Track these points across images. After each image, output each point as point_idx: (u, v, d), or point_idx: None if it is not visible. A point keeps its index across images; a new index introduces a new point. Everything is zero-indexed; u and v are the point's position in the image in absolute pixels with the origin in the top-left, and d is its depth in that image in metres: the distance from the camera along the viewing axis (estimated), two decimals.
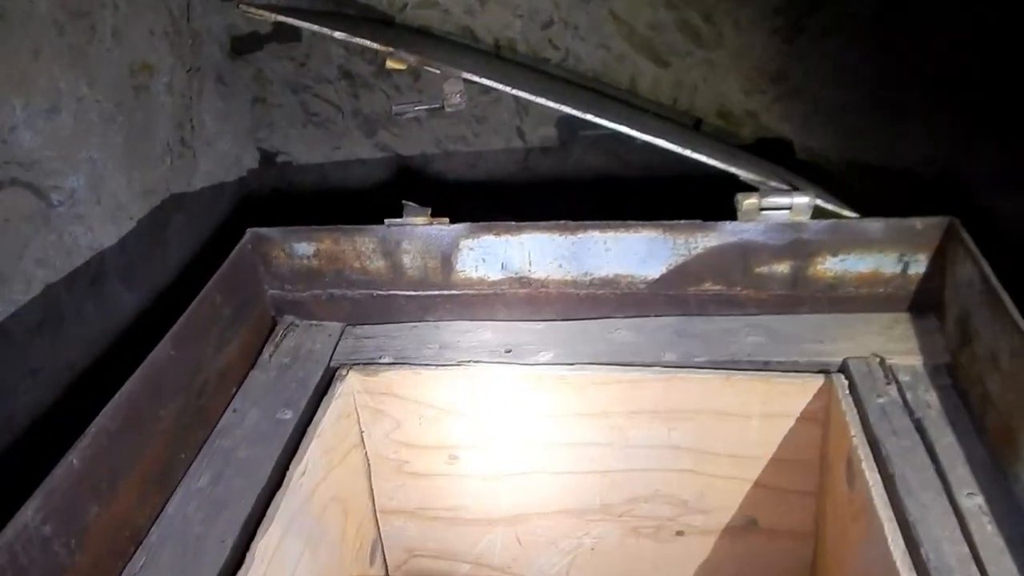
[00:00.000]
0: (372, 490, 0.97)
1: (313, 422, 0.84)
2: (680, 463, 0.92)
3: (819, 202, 0.92)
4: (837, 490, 0.84)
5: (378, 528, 1.00)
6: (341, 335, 0.97)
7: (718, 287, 0.93)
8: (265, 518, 0.73)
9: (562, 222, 0.92)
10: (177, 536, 0.72)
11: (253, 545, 0.70)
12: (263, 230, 0.94)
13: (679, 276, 0.93)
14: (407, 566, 1.03)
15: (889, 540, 0.68)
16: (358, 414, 0.93)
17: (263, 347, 0.95)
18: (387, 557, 1.02)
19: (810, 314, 0.93)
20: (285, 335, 0.97)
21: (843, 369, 0.87)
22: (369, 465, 0.96)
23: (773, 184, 0.90)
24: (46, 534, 0.61)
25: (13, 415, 0.82)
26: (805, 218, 0.91)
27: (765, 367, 0.88)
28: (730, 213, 0.92)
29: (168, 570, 0.69)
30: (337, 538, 0.88)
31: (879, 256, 0.90)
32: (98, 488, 0.67)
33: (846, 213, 0.93)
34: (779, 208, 0.91)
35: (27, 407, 0.83)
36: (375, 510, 0.99)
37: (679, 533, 0.97)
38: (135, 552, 0.71)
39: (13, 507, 0.60)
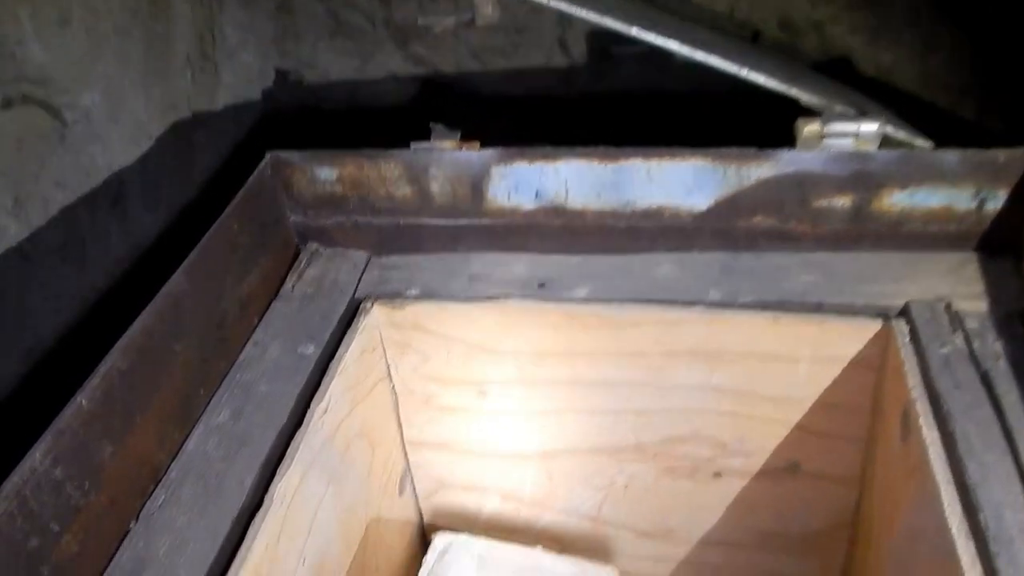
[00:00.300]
0: (400, 423, 0.95)
1: (336, 357, 0.80)
2: (721, 405, 0.88)
3: (889, 129, 0.84)
4: (889, 440, 0.79)
5: (407, 460, 0.98)
6: (367, 265, 0.93)
7: (770, 221, 0.86)
8: (285, 458, 0.71)
9: (602, 148, 0.85)
10: (197, 473, 0.70)
11: (272, 487, 0.68)
12: (283, 153, 0.89)
13: (728, 208, 0.86)
14: (437, 496, 1.01)
15: (945, 504, 0.63)
16: (384, 348, 0.89)
17: (286, 276, 0.91)
18: (416, 488, 1.01)
19: (871, 252, 0.86)
20: (309, 263, 0.93)
21: (904, 314, 0.80)
22: (396, 398, 0.93)
23: (838, 109, 0.82)
24: (57, 477, 0.59)
25: (36, 341, 0.80)
26: (872, 148, 0.83)
27: (818, 309, 0.82)
28: (788, 139, 0.84)
29: (188, 508, 0.67)
30: (364, 473, 0.86)
31: (952, 191, 0.82)
32: (112, 427, 0.65)
33: (918, 142, 0.85)
34: (843, 136, 0.83)
35: (50, 332, 0.82)
36: (403, 442, 0.97)
37: (716, 475, 0.93)
38: (154, 490, 0.69)
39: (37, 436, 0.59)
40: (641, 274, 0.88)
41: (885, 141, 0.85)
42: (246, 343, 0.83)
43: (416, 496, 1.01)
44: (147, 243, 0.95)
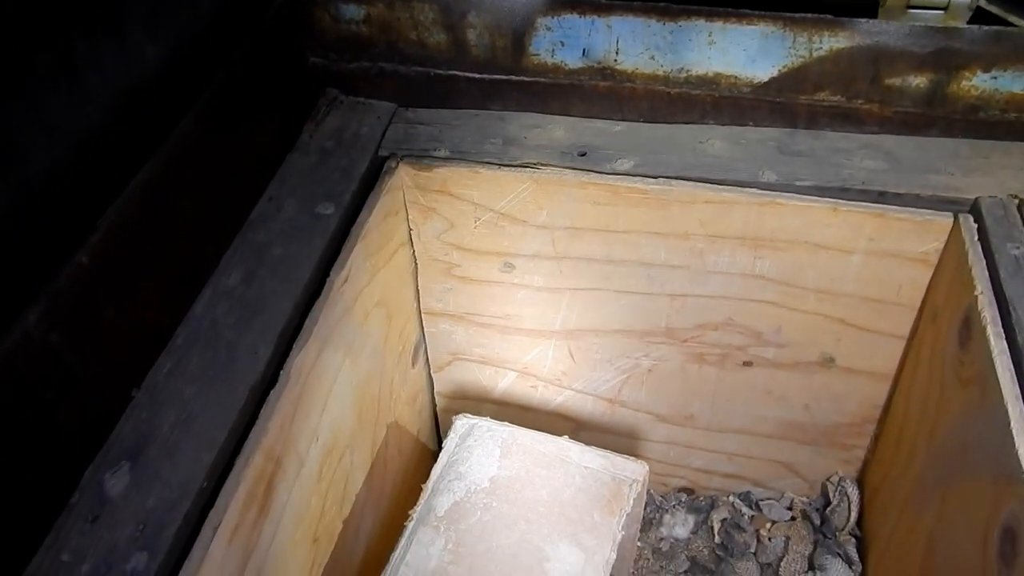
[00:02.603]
0: (418, 291, 0.89)
1: (357, 222, 0.74)
2: (762, 294, 0.83)
3: (982, 2, 0.74)
4: (941, 344, 0.75)
5: (422, 330, 0.93)
6: (392, 118, 0.85)
7: (836, 98, 0.78)
8: (303, 331, 0.65)
9: (661, 4, 0.75)
10: (205, 341, 0.65)
11: (288, 362, 0.63)
12: None
13: (792, 81, 0.78)
14: (449, 368, 0.98)
15: (1012, 423, 0.59)
16: (407, 211, 0.83)
17: (303, 126, 0.83)
18: (430, 359, 0.97)
19: (942, 138, 0.79)
20: (328, 112, 0.85)
21: (973, 209, 0.74)
22: (416, 265, 0.87)
23: None
24: (54, 342, 0.53)
25: (28, 176, 0.72)
26: (961, 22, 0.74)
27: (880, 199, 0.75)
28: (868, 8, 0.75)
29: (197, 377, 0.63)
30: (380, 343, 0.82)
31: None
32: (114, 287, 0.59)
33: (1013, 19, 0.75)
34: (931, 8, 0.74)
35: (43, 168, 0.74)
36: (420, 311, 0.92)
37: (746, 363, 0.89)
38: (159, 357, 0.64)
39: (30, 272, 0.52)
40: (690, 148, 0.80)
41: (977, 16, 0.76)
42: (258, 199, 0.76)
43: (429, 367, 0.98)
44: (148, 77, 0.85)
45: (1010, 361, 0.63)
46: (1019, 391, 0.61)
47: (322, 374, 0.68)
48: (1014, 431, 0.59)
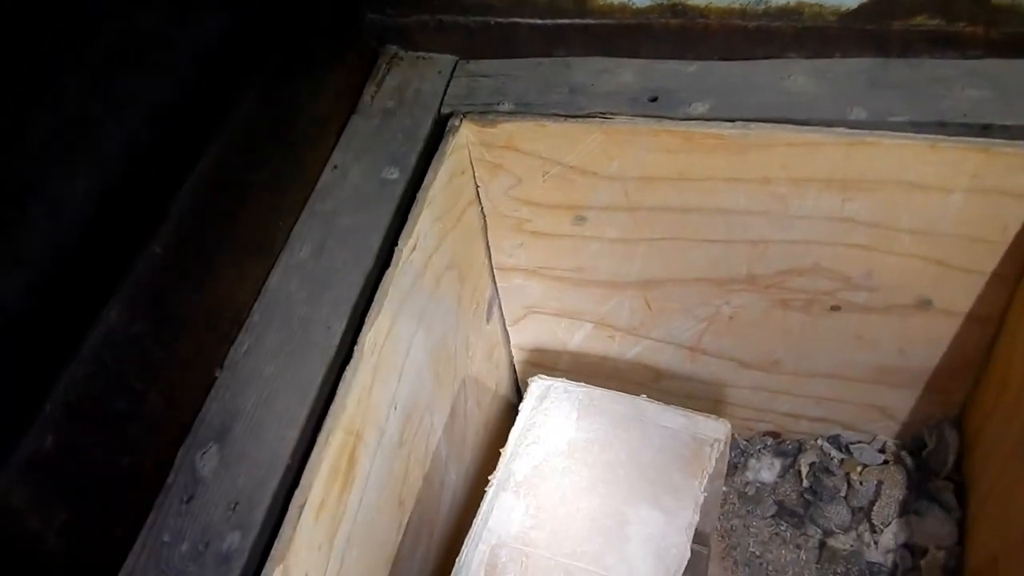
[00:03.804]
0: (489, 248, 0.88)
1: (423, 186, 0.72)
2: (850, 237, 0.78)
3: None
4: None
5: (495, 285, 0.92)
6: (453, 71, 0.82)
7: (935, 21, 0.72)
8: (374, 303, 0.65)
9: None
10: (281, 318, 0.65)
11: (361, 336, 0.63)
12: None
13: (885, 5, 0.71)
14: (525, 321, 0.97)
15: None
16: (473, 169, 0.81)
17: (363, 86, 0.81)
18: (505, 314, 0.96)
19: None
20: (388, 70, 0.83)
21: None
22: (485, 222, 0.86)
23: None
24: (136, 332, 0.54)
25: (103, 156, 0.73)
26: None
27: (984, 132, 0.69)
28: None
29: (274, 356, 0.63)
30: (453, 304, 0.81)
31: None
32: (189, 272, 0.59)
33: None
34: None
35: (117, 145, 0.74)
36: (492, 267, 0.90)
37: (834, 308, 0.85)
38: (237, 335, 0.64)
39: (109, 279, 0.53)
40: (771, 86, 0.75)
41: None
42: (324, 166, 0.75)
43: (503, 322, 0.97)
44: (211, 47, 0.84)
45: None
46: None
47: (396, 344, 0.68)
48: None
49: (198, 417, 0.60)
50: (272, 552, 0.55)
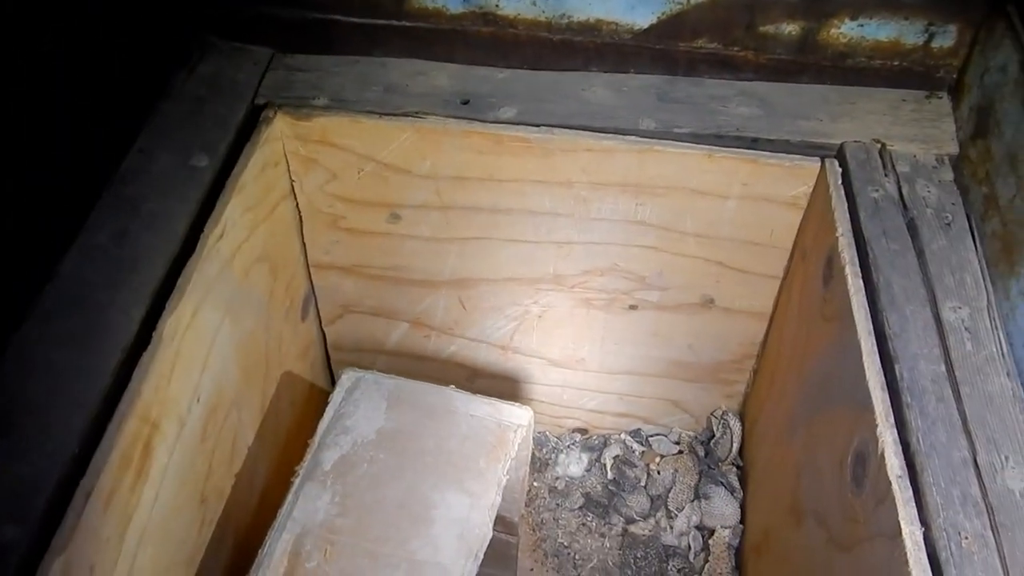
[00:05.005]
0: (304, 245, 0.88)
1: (233, 175, 0.72)
2: (643, 239, 0.85)
3: None
4: (809, 282, 0.79)
5: (311, 283, 0.92)
6: (269, 64, 0.82)
7: (714, 45, 0.80)
8: (176, 290, 0.64)
9: None
10: (75, 303, 0.63)
11: (160, 322, 0.61)
12: None
13: (672, 28, 0.79)
14: (342, 321, 0.97)
15: (864, 356, 0.63)
16: (288, 162, 0.81)
17: (175, 72, 0.80)
18: (320, 313, 0.96)
19: (812, 84, 0.82)
20: (202, 57, 0.82)
21: (839, 154, 0.78)
22: (301, 218, 0.86)
23: None
24: None
25: None
26: None
27: (753, 145, 0.78)
28: None
29: (67, 342, 0.61)
30: (264, 299, 0.80)
31: (903, 23, 0.78)
32: None
33: None
34: None
35: None
36: (307, 265, 0.90)
37: (632, 307, 0.92)
38: (27, 320, 0.61)
39: None
40: (573, 95, 0.81)
41: None
42: (129, 149, 0.73)
43: (320, 321, 0.97)
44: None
45: (865, 299, 0.67)
46: (871, 327, 0.65)
47: (200, 333, 0.67)
48: (865, 364, 0.62)
49: None
50: (52, 543, 0.52)
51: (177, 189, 0.71)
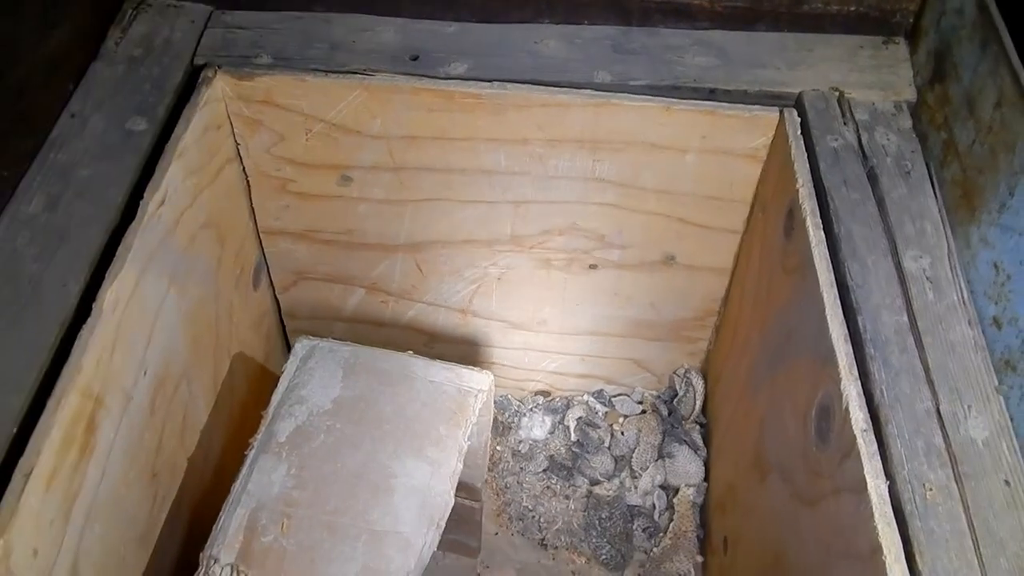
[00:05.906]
0: (253, 210, 0.85)
1: (173, 138, 0.68)
2: (602, 196, 0.83)
3: None
4: (770, 235, 0.78)
5: (262, 250, 0.89)
6: (207, 23, 0.78)
7: None
8: (116, 259, 0.61)
9: None
10: (6, 275, 0.60)
11: (101, 293, 0.58)
12: None
13: None
14: (296, 288, 0.94)
15: (827, 308, 0.62)
16: (231, 124, 0.77)
17: (107, 32, 0.75)
18: (273, 281, 0.93)
19: (769, 32, 0.80)
20: (135, 16, 0.78)
21: (798, 103, 0.76)
22: (248, 183, 0.83)
23: None
24: None
25: None
26: None
27: (711, 96, 0.76)
28: None
29: None
30: (212, 267, 0.77)
31: None
32: None
33: None
34: None
35: None
36: (257, 231, 0.87)
37: (592, 266, 0.90)
38: None
39: None
40: (525, 49, 0.78)
41: None
42: (59, 114, 0.69)
43: (273, 289, 0.94)
44: None
45: (826, 250, 0.66)
46: (833, 278, 0.64)
47: (143, 304, 0.64)
48: (828, 317, 0.62)
49: None
50: None
51: (113, 154, 0.67)
